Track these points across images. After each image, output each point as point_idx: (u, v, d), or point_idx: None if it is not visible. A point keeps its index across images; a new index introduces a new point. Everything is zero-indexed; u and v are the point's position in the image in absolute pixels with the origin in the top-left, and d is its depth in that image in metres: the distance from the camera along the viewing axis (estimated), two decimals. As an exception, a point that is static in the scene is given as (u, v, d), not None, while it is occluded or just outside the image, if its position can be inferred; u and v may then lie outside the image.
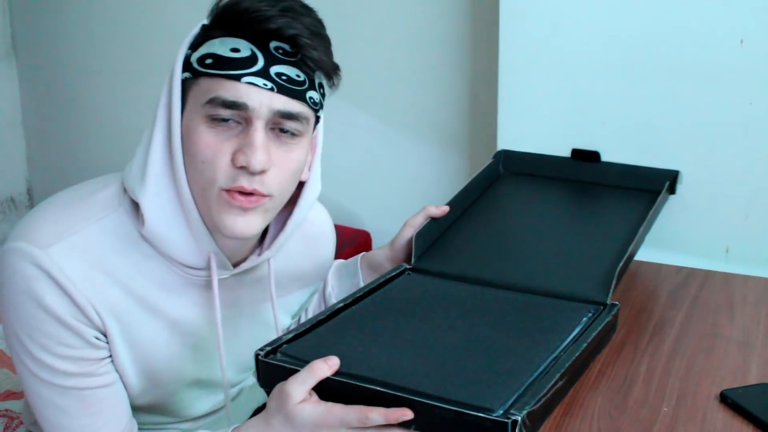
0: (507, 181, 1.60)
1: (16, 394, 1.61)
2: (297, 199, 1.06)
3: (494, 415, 0.87)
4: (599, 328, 1.09)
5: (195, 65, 0.96)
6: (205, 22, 0.99)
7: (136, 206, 1.00)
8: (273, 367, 0.97)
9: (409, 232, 1.27)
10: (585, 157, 1.60)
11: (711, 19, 1.46)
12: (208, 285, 1.05)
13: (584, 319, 1.11)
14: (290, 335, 1.02)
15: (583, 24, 1.57)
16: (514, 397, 0.91)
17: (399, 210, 2.11)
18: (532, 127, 1.65)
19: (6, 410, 1.55)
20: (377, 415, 0.86)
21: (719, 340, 1.22)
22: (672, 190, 1.53)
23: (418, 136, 2.09)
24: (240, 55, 0.93)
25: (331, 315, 1.09)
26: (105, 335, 1.00)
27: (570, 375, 1.00)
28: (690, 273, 1.46)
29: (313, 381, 0.90)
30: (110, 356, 1.01)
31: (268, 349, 0.99)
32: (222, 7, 0.97)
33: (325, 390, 0.93)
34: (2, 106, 2.77)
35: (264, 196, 0.96)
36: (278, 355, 0.99)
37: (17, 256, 0.94)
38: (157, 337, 1.04)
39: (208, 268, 1.03)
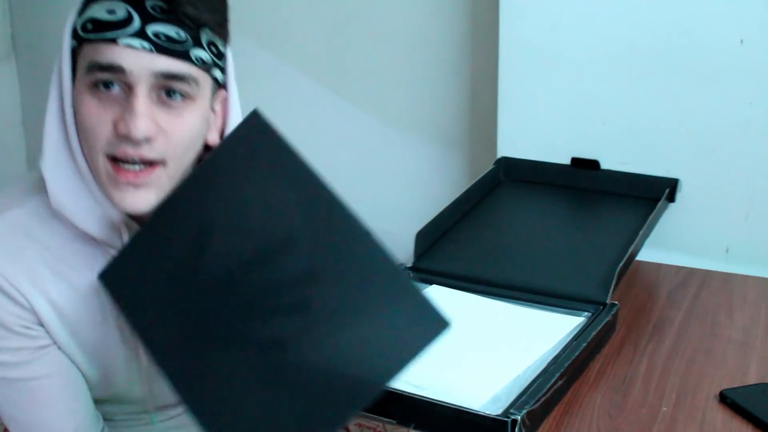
0: (507, 187, 1.61)
1: (16, 394, 1.60)
2: None
3: (492, 413, 0.87)
4: (599, 328, 1.09)
5: (79, 32, 0.93)
6: None
7: None
8: None
9: None
10: (585, 166, 1.60)
11: (711, 19, 1.46)
12: None
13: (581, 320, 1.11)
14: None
15: (583, 25, 1.57)
16: (514, 397, 0.91)
17: (399, 210, 2.11)
18: (532, 135, 1.66)
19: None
20: None
21: (719, 340, 1.22)
22: (671, 198, 1.53)
23: (418, 137, 2.08)
24: (116, 17, 0.90)
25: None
26: (40, 323, 0.98)
27: (569, 374, 1.00)
28: (690, 273, 1.46)
29: None
30: (52, 344, 0.99)
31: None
32: None
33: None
34: (2, 106, 2.77)
35: (154, 164, 0.93)
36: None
37: None
38: (92, 319, 1.01)
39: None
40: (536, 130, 1.65)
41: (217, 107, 1.00)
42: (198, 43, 0.93)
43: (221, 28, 0.95)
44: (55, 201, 0.96)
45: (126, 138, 0.90)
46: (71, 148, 0.95)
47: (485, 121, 1.90)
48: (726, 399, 1.05)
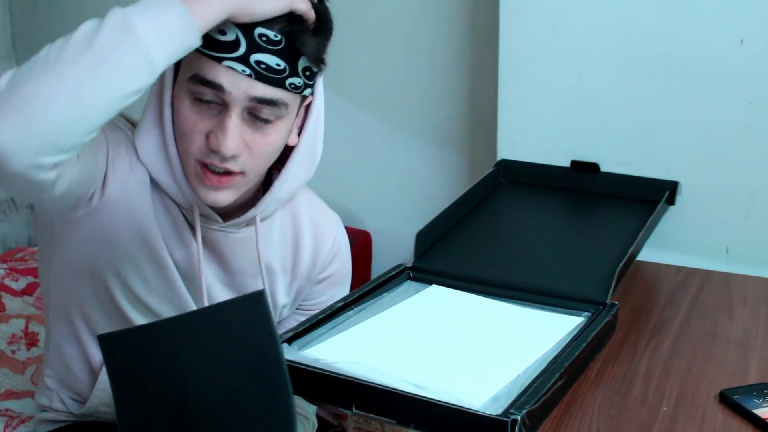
0: (507, 189, 1.61)
1: (16, 394, 1.61)
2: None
3: (492, 413, 0.87)
4: (599, 328, 1.09)
5: None
6: None
7: None
8: None
9: None
10: (584, 168, 1.60)
11: (711, 19, 1.46)
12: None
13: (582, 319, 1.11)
14: (290, 333, 1.03)
15: (583, 26, 1.57)
16: (514, 397, 0.91)
17: (399, 210, 2.11)
18: (532, 137, 1.65)
19: (6, 410, 1.55)
20: None
21: (719, 339, 1.22)
22: (671, 201, 1.53)
23: (418, 136, 2.09)
24: (224, 38, 0.96)
25: (330, 314, 1.09)
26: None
27: (569, 374, 1.00)
28: (690, 273, 1.46)
29: None
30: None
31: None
32: None
33: (326, 387, 0.93)
34: (2, 106, 2.77)
35: (236, 174, 1.02)
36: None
37: None
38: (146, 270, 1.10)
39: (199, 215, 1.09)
40: (536, 132, 1.65)
41: (301, 110, 1.07)
42: (294, 72, 0.99)
43: (319, 54, 1.02)
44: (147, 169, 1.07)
45: (215, 152, 0.99)
46: (165, 134, 1.04)
47: (485, 121, 1.90)
48: (726, 399, 1.05)
